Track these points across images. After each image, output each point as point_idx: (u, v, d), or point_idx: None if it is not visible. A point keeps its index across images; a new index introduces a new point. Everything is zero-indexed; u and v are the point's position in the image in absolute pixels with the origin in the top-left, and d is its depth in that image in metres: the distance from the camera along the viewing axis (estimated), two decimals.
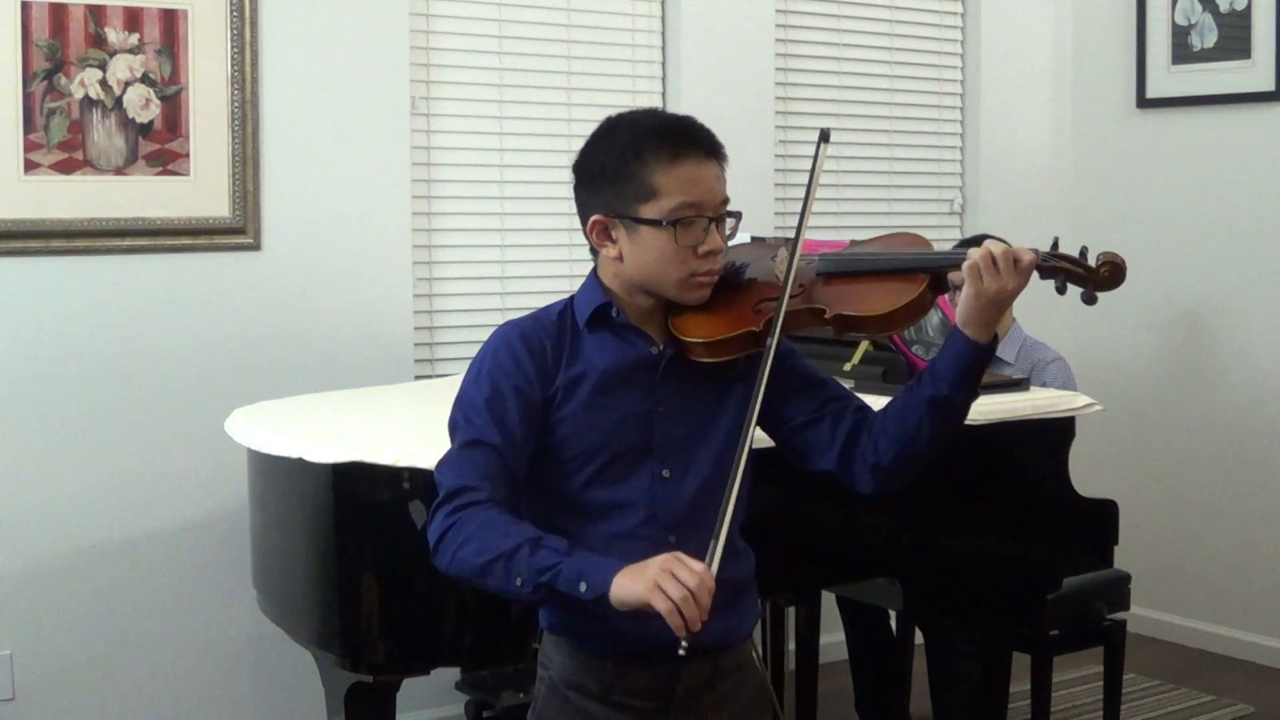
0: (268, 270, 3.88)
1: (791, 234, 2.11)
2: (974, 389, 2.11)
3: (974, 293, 2.02)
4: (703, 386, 2.11)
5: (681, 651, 1.84)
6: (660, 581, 1.81)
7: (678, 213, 2.02)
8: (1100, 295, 2.08)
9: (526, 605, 1.96)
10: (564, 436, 2.06)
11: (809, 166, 2.12)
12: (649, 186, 2.02)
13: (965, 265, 2.01)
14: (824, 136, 2.10)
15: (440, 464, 2.04)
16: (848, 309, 2.10)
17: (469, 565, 1.93)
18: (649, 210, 2.02)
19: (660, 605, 1.80)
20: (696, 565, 1.83)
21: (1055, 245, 2.09)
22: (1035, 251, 2.04)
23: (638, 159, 2.02)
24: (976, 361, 2.07)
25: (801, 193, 4.72)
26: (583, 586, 1.86)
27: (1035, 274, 2.06)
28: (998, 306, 2.03)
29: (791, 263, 2.07)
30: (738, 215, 2.10)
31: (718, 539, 1.90)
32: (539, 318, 2.12)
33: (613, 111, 2.13)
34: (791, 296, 2.07)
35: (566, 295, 2.17)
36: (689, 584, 1.80)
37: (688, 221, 2.02)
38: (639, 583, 1.83)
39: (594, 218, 2.07)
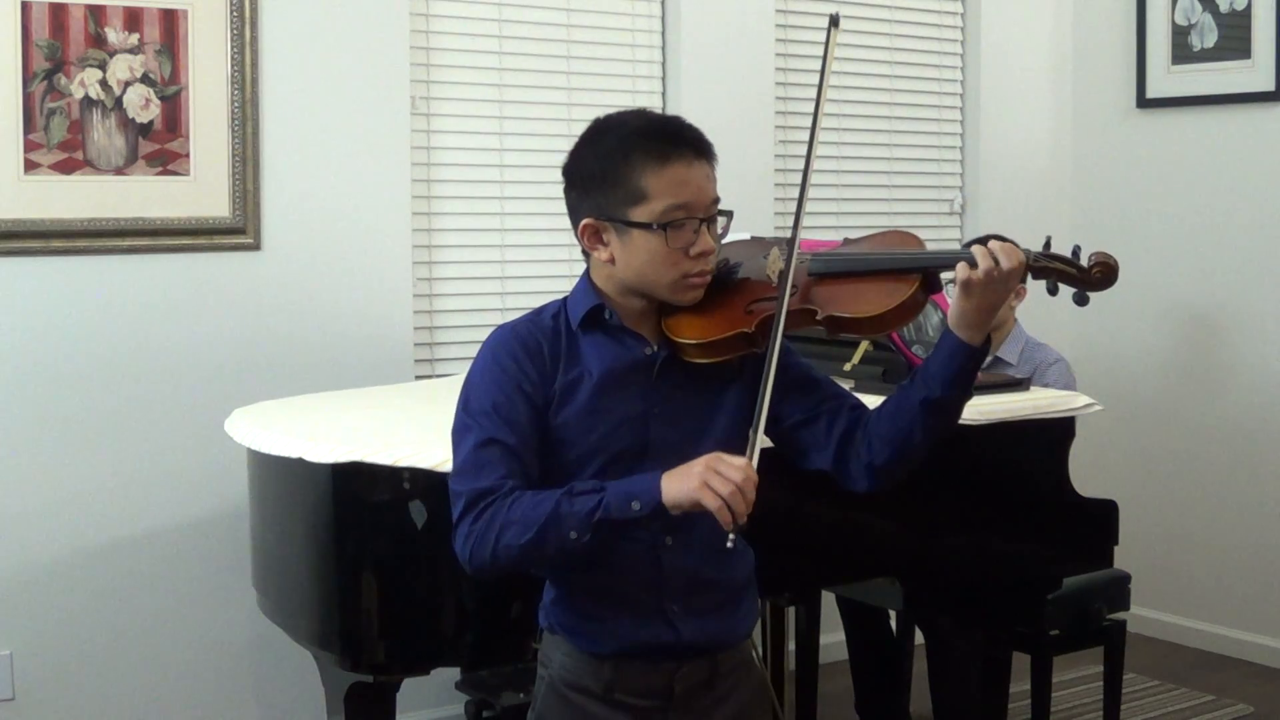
0: (268, 270, 3.88)
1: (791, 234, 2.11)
2: (967, 390, 2.10)
3: (964, 294, 2.02)
4: (698, 387, 2.11)
5: (730, 544, 1.90)
6: (708, 480, 1.88)
7: (668, 215, 2.01)
8: (1092, 296, 2.07)
9: (586, 559, 1.97)
10: (561, 440, 2.05)
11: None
12: (638, 189, 2.01)
13: (961, 279, 2.01)
14: (834, 21, 2.12)
15: (455, 474, 2.03)
16: (840, 310, 2.09)
17: (516, 549, 1.95)
18: (639, 213, 2.02)
19: (710, 502, 1.87)
20: (738, 460, 1.90)
21: (1047, 245, 2.08)
22: (1026, 252, 2.03)
23: (626, 161, 2.02)
24: (969, 363, 2.06)
25: (802, 192, 4.76)
26: (635, 505, 1.92)
27: (1028, 275, 2.05)
28: (989, 308, 2.02)
29: (789, 261, 2.06)
30: (729, 214, 2.09)
31: (756, 430, 1.95)
32: (534, 320, 2.11)
33: (613, 111, 2.13)
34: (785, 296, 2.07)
35: (565, 296, 2.16)
36: (734, 479, 1.87)
37: (678, 224, 2.02)
38: (688, 481, 1.89)
39: (584, 221, 2.07)
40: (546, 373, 2.06)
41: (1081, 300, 2.07)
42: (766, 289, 2.12)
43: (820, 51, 4.64)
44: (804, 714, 4.03)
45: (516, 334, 2.09)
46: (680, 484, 1.90)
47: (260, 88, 3.83)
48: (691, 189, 2.03)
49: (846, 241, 2.31)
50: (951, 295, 2.07)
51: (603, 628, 2.07)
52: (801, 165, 4.73)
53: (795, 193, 4.72)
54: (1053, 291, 2.09)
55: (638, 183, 2.01)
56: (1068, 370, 3.91)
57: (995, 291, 2.01)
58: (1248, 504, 4.92)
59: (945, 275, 2.11)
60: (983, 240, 2.07)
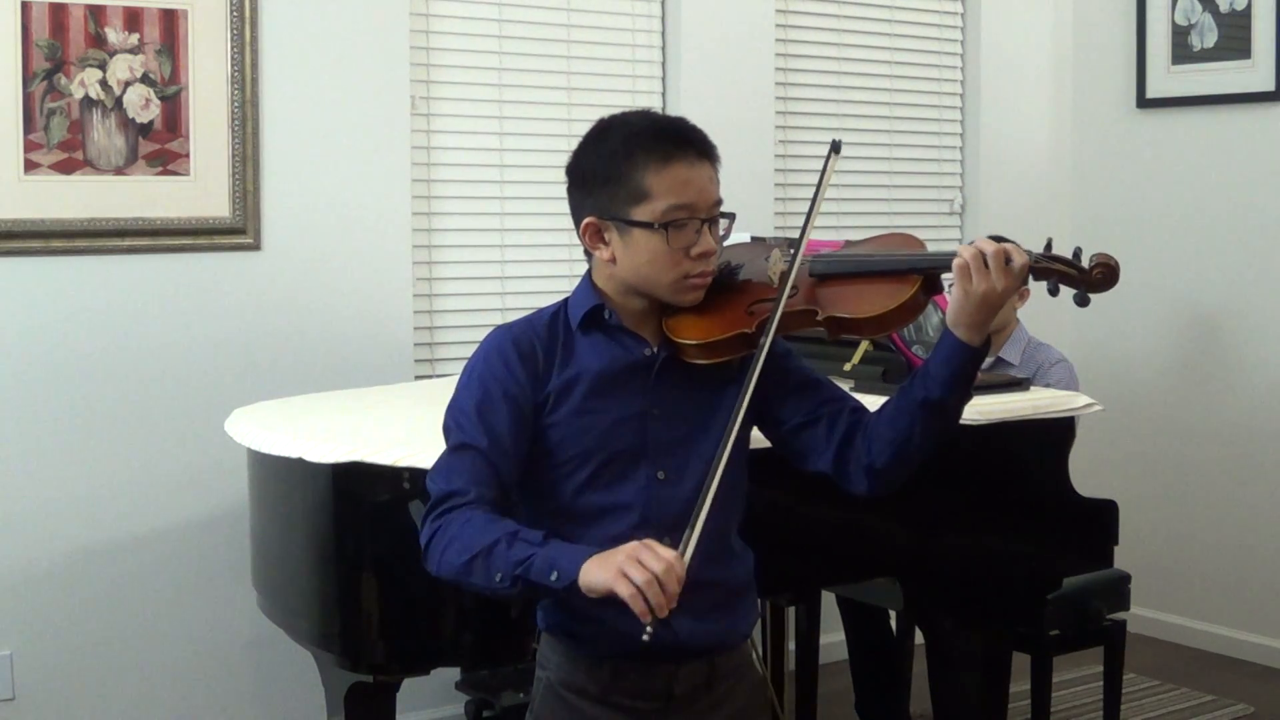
0: (268, 270, 3.88)
1: (792, 234, 2.11)
2: (966, 391, 2.09)
3: (963, 293, 2.00)
4: (697, 388, 2.11)
5: (645, 637, 1.82)
6: (624, 568, 1.80)
7: (669, 215, 2.01)
8: (1093, 297, 2.07)
9: (509, 600, 1.96)
10: (558, 440, 2.05)
11: (815, 170, 2.11)
12: (641, 189, 2.01)
13: (955, 264, 2.00)
14: (835, 148, 2.10)
15: (431, 471, 2.05)
16: (841, 311, 2.09)
17: (453, 566, 1.94)
18: (641, 213, 2.02)
19: (623, 591, 1.79)
20: (665, 552, 1.82)
21: (1049, 246, 2.08)
22: (1028, 252, 2.03)
23: (629, 161, 2.02)
24: (968, 363, 2.05)
25: (802, 193, 4.78)
26: (554, 575, 1.86)
27: (1030, 276, 2.05)
28: (988, 307, 2.01)
29: (792, 268, 2.06)
30: (731, 216, 2.09)
31: (693, 528, 1.89)
32: (531, 321, 2.11)
33: (612, 111, 2.13)
34: (786, 297, 2.06)
35: (566, 295, 2.16)
36: (654, 569, 1.79)
37: (680, 224, 2.02)
38: (605, 569, 1.82)
39: (586, 220, 2.07)
40: (539, 375, 2.06)
41: (1083, 301, 2.07)
42: (768, 290, 2.12)
43: (825, 36, 4.68)
44: (804, 714, 4.03)
45: (510, 336, 2.09)
46: (599, 569, 1.83)
47: (260, 88, 3.83)
48: (694, 190, 2.03)
49: (848, 243, 2.31)
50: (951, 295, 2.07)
51: (601, 629, 2.07)
52: (803, 166, 4.72)
53: (796, 193, 4.74)
54: (1054, 293, 2.09)
55: (640, 182, 2.01)
56: (1070, 370, 3.91)
57: (988, 284, 1.99)
58: (1248, 504, 4.92)
59: (946, 276, 2.10)
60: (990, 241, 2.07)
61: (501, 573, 1.90)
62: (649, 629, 1.81)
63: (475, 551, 1.91)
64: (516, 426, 2.03)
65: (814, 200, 2.11)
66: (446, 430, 2.06)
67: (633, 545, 1.83)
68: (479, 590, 1.95)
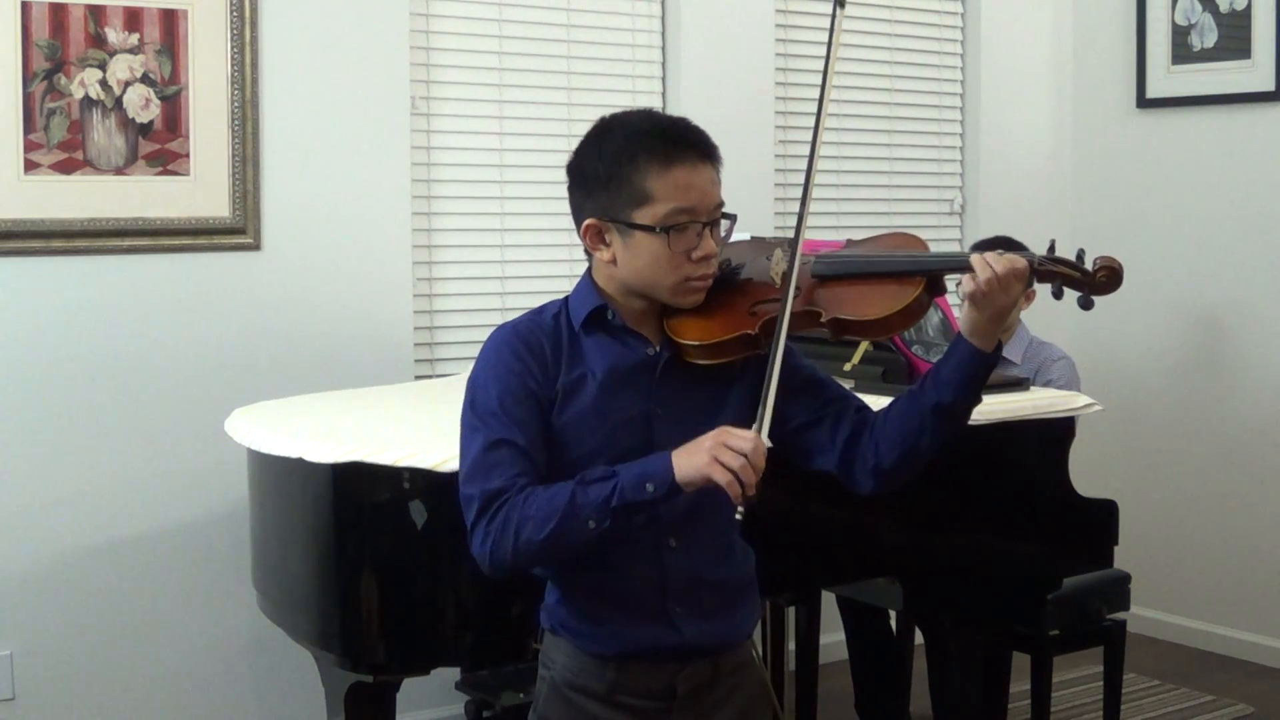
0: (268, 270, 3.88)
1: (792, 234, 2.11)
2: (977, 395, 2.11)
3: (977, 309, 2.02)
4: (701, 388, 2.11)
5: (738, 516, 1.90)
6: (717, 454, 1.88)
7: (671, 219, 2.01)
8: (1097, 299, 2.07)
9: (606, 542, 1.96)
10: (564, 440, 2.05)
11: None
12: (642, 191, 2.01)
13: (969, 294, 2.01)
14: (840, 2, 2.11)
15: (466, 477, 2.02)
16: (844, 312, 2.09)
17: (535, 544, 1.94)
18: (642, 215, 2.01)
19: (720, 477, 1.87)
20: (746, 433, 1.90)
21: (1052, 249, 2.08)
22: (1031, 257, 2.03)
23: (631, 163, 2.01)
24: (982, 369, 2.07)
25: (802, 192, 4.77)
26: (650, 487, 1.92)
27: (1034, 279, 2.06)
28: (1001, 316, 2.03)
29: (793, 264, 2.06)
30: (732, 218, 2.09)
31: (765, 405, 1.95)
32: (534, 319, 2.11)
33: (612, 111, 2.13)
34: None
35: (566, 295, 2.16)
36: (744, 449, 1.87)
37: (681, 227, 2.01)
38: (698, 457, 1.90)
39: (587, 221, 2.06)
40: (549, 371, 2.06)
41: (1086, 304, 2.07)
42: (770, 290, 2.11)
43: (825, 36, 4.68)
44: (804, 714, 4.03)
45: (518, 332, 2.08)
46: (690, 460, 1.91)
47: (260, 88, 3.83)
48: (695, 192, 2.02)
49: (850, 243, 2.31)
50: (954, 297, 2.08)
51: (605, 629, 2.07)
52: (803, 165, 4.72)
53: (796, 193, 4.73)
54: (1058, 295, 2.09)
55: (641, 184, 2.01)
56: (1072, 369, 3.91)
57: (1001, 300, 2.00)
58: (1248, 504, 4.92)
59: (950, 277, 2.11)
60: (989, 244, 2.08)
61: (594, 518, 1.93)
62: (741, 509, 1.90)
63: (558, 516, 1.93)
64: (540, 418, 2.03)
65: (826, 64, 2.12)
66: (472, 431, 2.03)
67: (715, 432, 1.91)
68: (569, 554, 1.99)
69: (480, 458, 2.01)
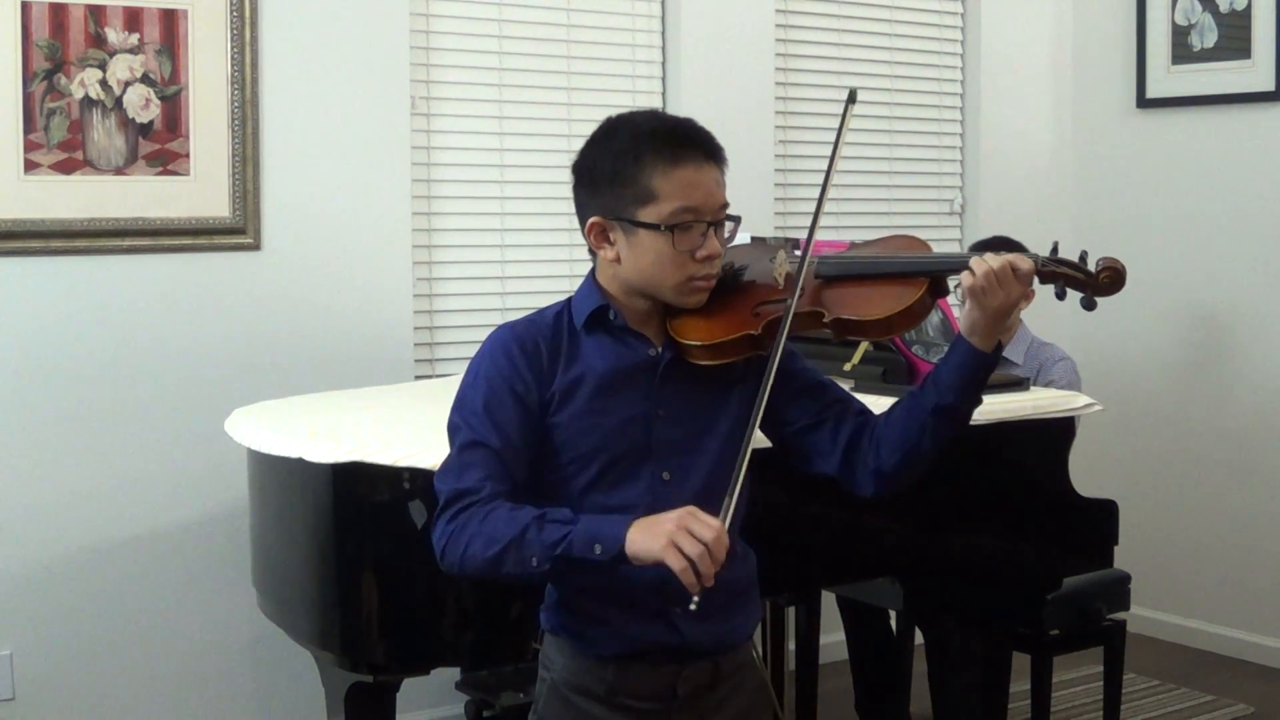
0: (268, 270, 3.88)
1: (792, 234, 2.11)
2: (978, 396, 2.11)
3: (978, 308, 2.02)
4: (702, 388, 2.11)
5: (693, 607, 1.84)
6: (675, 539, 1.83)
7: (676, 217, 2.01)
8: (1099, 301, 2.07)
9: (543, 583, 1.96)
10: (562, 440, 2.05)
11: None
12: (647, 190, 2.01)
13: (966, 287, 2.01)
14: (851, 98, 2.11)
15: (439, 472, 2.04)
16: (847, 313, 2.10)
17: (479, 560, 1.94)
18: (647, 214, 2.02)
19: (675, 563, 1.82)
20: (711, 520, 1.85)
21: (1055, 250, 2.09)
22: (1034, 258, 2.03)
23: (636, 162, 2.02)
24: (981, 370, 2.07)
25: (802, 193, 4.78)
26: (598, 549, 1.88)
27: (1036, 280, 2.06)
28: (1001, 316, 2.03)
29: (803, 263, 2.07)
30: (737, 219, 2.09)
31: (731, 496, 1.91)
32: (534, 320, 2.11)
33: (613, 112, 2.13)
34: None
35: (566, 295, 2.16)
36: (705, 537, 1.82)
37: (685, 226, 2.02)
38: (654, 539, 1.85)
39: (592, 219, 2.07)
40: (543, 374, 2.06)
41: (1089, 305, 2.07)
42: (773, 291, 2.12)
43: (825, 37, 4.69)
44: (804, 714, 4.03)
45: (514, 334, 2.08)
46: (647, 537, 1.86)
47: (260, 88, 3.83)
48: (700, 192, 2.03)
49: (853, 245, 2.32)
50: (956, 299, 2.08)
51: (605, 630, 2.07)
52: (803, 166, 4.72)
53: (796, 193, 4.74)
54: (1060, 296, 2.10)
55: (647, 183, 2.01)
56: (1073, 369, 3.90)
57: (1001, 298, 2.01)
58: (1248, 504, 4.92)
59: (952, 278, 2.11)
60: (988, 244, 2.08)
61: (537, 557, 1.90)
62: (696, 599, 1.84)
63: (505, 542, 1.92)
64: (525, 424, 2.03)
65: (833, 154, 2.11)
66: (454, 429, 2.06)
67: (679, 514, 1.86)
68: (509, 579, 1.96)
69: (455, 456, 2.03)
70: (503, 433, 2.02)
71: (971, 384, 2.07)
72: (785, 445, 2.19)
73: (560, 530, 1.90)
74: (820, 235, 2.15)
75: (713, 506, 1.97)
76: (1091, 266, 2.05)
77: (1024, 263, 2.01)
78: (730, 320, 2.09)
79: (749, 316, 2.10)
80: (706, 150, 2.05)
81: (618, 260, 2.06)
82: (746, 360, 2.11)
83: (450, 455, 2.04)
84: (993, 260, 2.01)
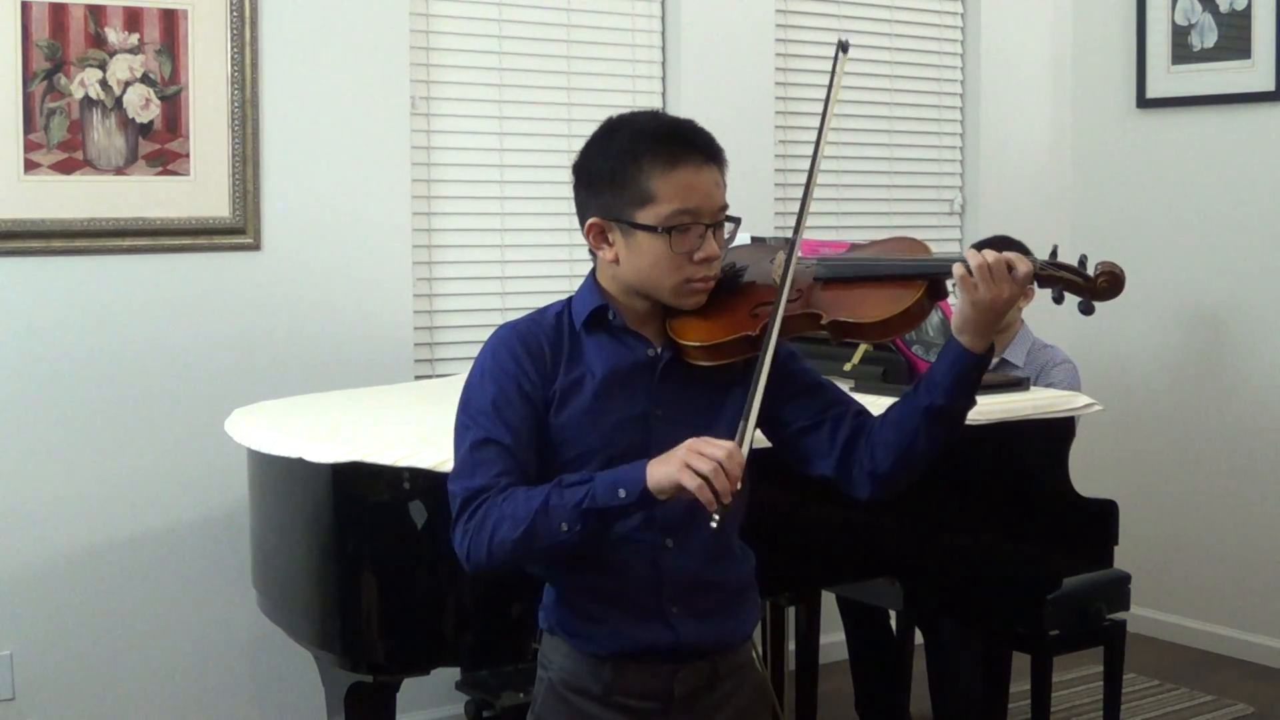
0: (268, 270, 3.88)
1: (792, 234, 2.11)
2: (971, 396, 2.10)
3: (969, 301, 2.02)
4: (701, 389, 2.11)
5: (713, 524, 1.87)
6: (688, 460, 1.87)
7: (674, 219, 2.01)
8: (1097, 305, 2.07)
9: (579, 548, 1.96)
10: (562, 440, 2.06)
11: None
12: (646, 192, 2.01)
13: (958, 274, 2.01)
14: (843, 47, 2.11)
15: (452, 475, 2.04)
16: (844, 315, 2.10)
17: (510, 543, 1.95)
18: (645, 216, 2.02)
19: (689, 482, 1.85)
20: (722, 441, 1.88)
21: (1054, 254, 2.08)
22: (1033, 261, 2.03)
23: (635, 163, 2.01)
24: (973, 370, 2.06)
25: (801, 193, 4.76)
26: (622, 493, 1.91)
27: (1034, 283, 2.06)
28: (994, 314, 2.02)
29: (789, 263, 2.06)
30: (736, 221, 2.09)
31: (747, 418, 1.94)
32: (536, 320, 2.11)
33: (613, 112, 2.13)
34: (789, 301, 2.06)
35: (566, 295, 2.16)
36: (716, 456, 1.85)
37: (684, 228, 2.01)
38: (668, 466, 1.89)
39: (591, 220, 2.07)
40: (546, 373, 2.06)
41: (1087, 310, 2.07)
42: (772, 293, 2.12)
43: (825, 37, 4.69)
44: (804, 714, 4.03)
45: (518, 333, 2.09)
46: (663, 468, 1.90)
47: (260, 88, 3.83)
48: (699, 194, 2.02)
49: (853, 246, 2.32)
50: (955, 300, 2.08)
51: (602, 629, 2.07)
52: (803, 166, 4.73)
53: (796, 193, 4.73)
54: (1058, 300, 2.10)
55: (645, 185, 2.01)
56: (1074, 372, 3.90)
57: (992, 293, 2.00)
58: (1248, 504, 4.92)
59: (951, 281, 2.11)
60: (992, 242, 2.08)
61: (566, 521, 1.92)
62: (716, 515, 1.86)
63: (530, 517, 1.93)
64: (533, 421, 2.04)
65: (826, 105, 2.11)
66: (463, 430, 2.05)
67: (690, 441, 1.89)
68: (542, 556, 1.98)
69: (467, 456, 2.03)
70: (513, 430, 2.02)
71: (962, 384, 2.06)
72: (783, 446, 2.19)
73: (580, 490, 1.93)
74: (820, 235, 2.15)
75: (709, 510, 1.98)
76: (1090, 271, 2.05)
77: (1023, 264, 2.01)
78: (729, 321, 2.09)
79: (747, 318, 2.10)
80: (705, 152, 2.05)
81: (616, 261, 2.06)
82: (745, 361, 2.11)
83: (461, 456, 2.04)
84: (989, 255, 2.00)
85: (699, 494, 1.85)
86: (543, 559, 2.03)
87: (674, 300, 2.07)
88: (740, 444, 1.90)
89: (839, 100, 2.14)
